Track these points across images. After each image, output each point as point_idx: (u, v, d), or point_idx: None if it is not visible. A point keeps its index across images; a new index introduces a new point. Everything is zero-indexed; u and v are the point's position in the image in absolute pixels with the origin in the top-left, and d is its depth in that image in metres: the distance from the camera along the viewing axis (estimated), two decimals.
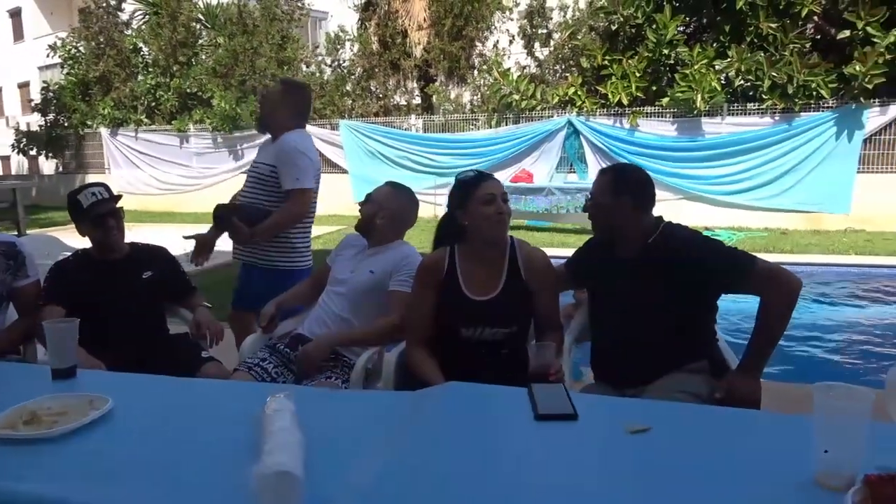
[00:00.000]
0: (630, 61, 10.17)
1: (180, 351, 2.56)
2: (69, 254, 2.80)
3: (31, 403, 1.50)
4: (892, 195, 9.07)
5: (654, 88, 10.25)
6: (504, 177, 10.94)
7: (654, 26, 9.98)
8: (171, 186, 13.92)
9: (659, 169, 9.85)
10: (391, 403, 1.58)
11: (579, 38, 11.30)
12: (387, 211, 2.56)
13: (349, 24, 14.17)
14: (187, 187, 13.81)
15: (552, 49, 11.76)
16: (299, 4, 13.83)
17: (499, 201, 2.16)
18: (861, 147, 9.10)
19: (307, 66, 13.28)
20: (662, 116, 10.15)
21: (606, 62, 10.43)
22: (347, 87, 13.08)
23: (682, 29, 10.25)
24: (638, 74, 10.08)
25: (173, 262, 2.84)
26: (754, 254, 2.06)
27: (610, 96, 10.22)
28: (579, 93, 10.62)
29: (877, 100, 8.95)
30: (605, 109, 10.50)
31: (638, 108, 10.20)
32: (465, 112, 12.08)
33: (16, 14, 24.76)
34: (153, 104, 13.98)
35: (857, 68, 8.57)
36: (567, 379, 2.03)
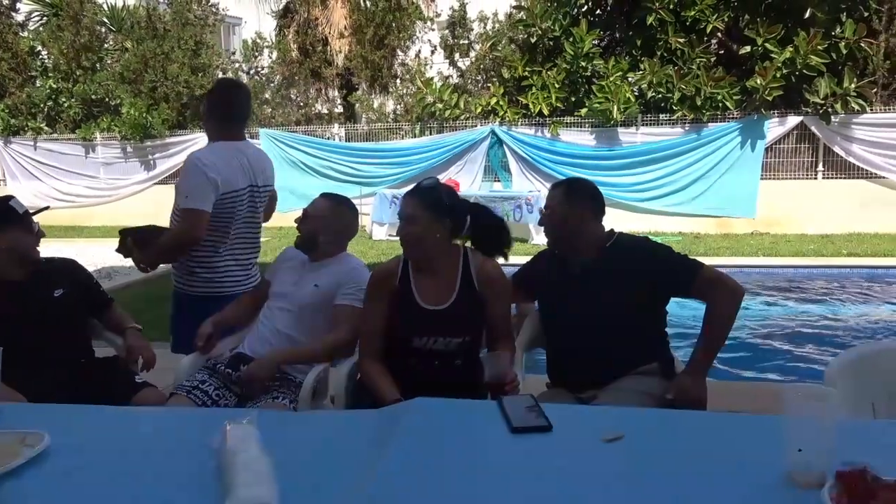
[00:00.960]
0: (549, 73, 10.45)
1: (111, 377, 2.39)
2: None
3: None
4: (792, 200, 9.75)
5: (573, 99, 10.57)
6: None
7: (571, 39, 10.30)
8: (77, 199, 13.07)
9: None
10: (357, 424, 1.53)
11: (500, 49, 11.51)
12: (329, 228, 2.48)
13: (265, 30, 13.84)
14: (95, 199, 13.02)
15: (473, 60, 11.92)
16: (213, 10, 13.38)
17: (402, 222, 2.16)
18: (763, 155, 9.74)
19: (223, 73, 12.84)
20: (581, 126, 10.47)
21: (527, 73, 10.66)
22: (266, 96, 12.75)
23: (597, 42, 10.63)
24: (557, 86, 10.36)
25: (85, 273, 2.66)
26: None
27: (531, 106, 10.45)
28: (501, 103, 10.80)
29: (776, 111, 9.61)
30: (526, 119, 10.73)
31: (558, 119, 10.48)
32: (388, 121, 12.04)
33: None
34: (54, 111, 13.12)
35: (758, 81, 9.17)
36: (521, 387, 2.04)
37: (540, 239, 9.12)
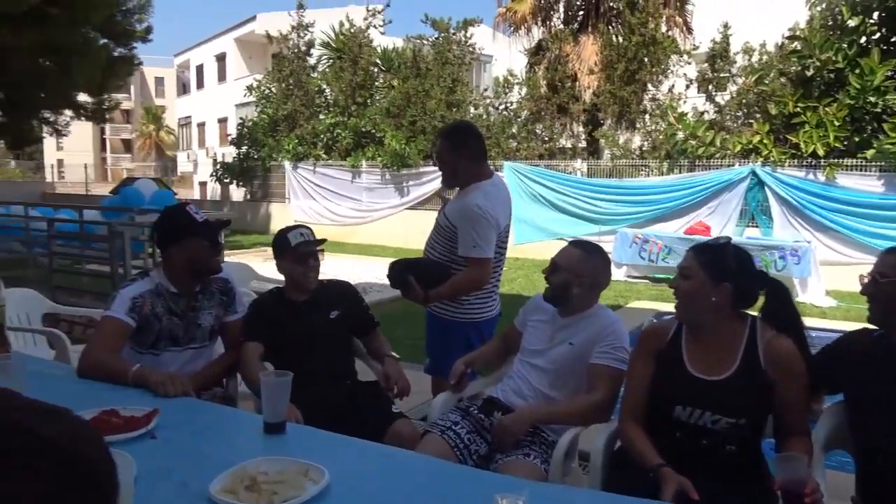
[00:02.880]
0: (827, 109, 9.21)
1: (373, 401, 2.49)
2: (265, 289, 2.88)
3: (249, 466, 1.45)
4: None
5: (857, 139, 9.19)
6: (674, 227, 10.32)
7: (857, 71, 8.99)
8: (342, 218, 14.72)
9: (858, 228, 8.88)
10: None
11: (767, 83, 10.47)
12: (584, 279, 2.32)
13: (516, 67, 14.32)
14: (356, 219, 14.53)
15: (734, 94, 11.00)
16: (470, 49, 14.22)
17: (676, 275, 1.99)
18: None
19: (475, 108, 13.55)
20: (866, 170, 9.03)
21: (799, 109, 9.53)
22: (513, 130, 13.15)
23: (891, 74, 9.14)
24: (837, 123, 9.09)
25: (357, 297, 2.84)
26: None
27: (802, 146, 9.30)
28: (765, 141, 9.79)
29: None
30: (795, 160, 9.57)
31: (836, 160, 9.18)
32: (633, 157, 11.61)
33: (221, 58, 28.05)
34: (331, 141, 14.99)
35: None
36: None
37: (807, 297, 8.01)
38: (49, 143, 32.49)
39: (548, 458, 2.12)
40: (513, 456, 2.12)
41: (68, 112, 20.12)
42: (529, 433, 2.18)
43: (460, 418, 2.33)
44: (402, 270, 2.76)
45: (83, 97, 19.20)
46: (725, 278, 1.91)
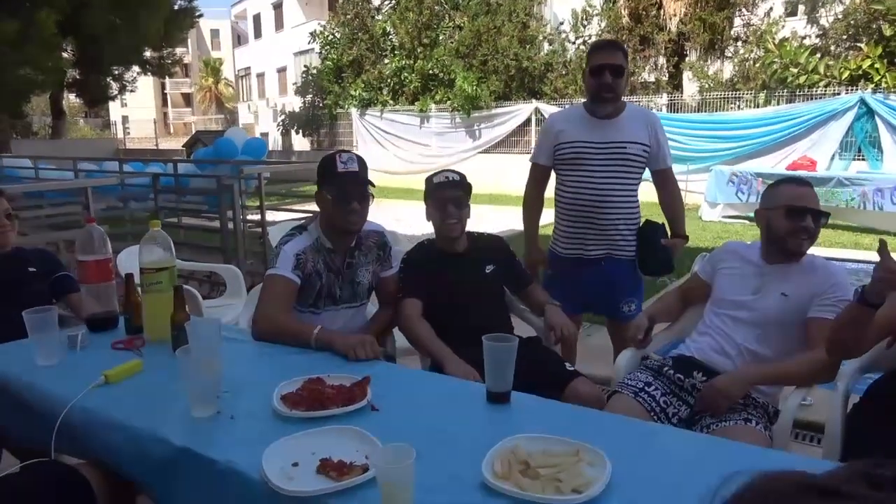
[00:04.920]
0: None
1: (540, 358, 2.32)
2: (418, 243, 2.71)
3: (510, 442, 1.28)
4: None
5: None
6: (770, 163, 9.72)
7: None
8: (410, 164, 14.52)
9: None
10: None
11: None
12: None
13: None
14: (426, 165, 14.30)
15: (841, 16, 10.07)
16: None
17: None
18: None
19: (550, 44, 12.92)
20: None
21: None
22: None
23: None
24: None
25: (510, 251, 2.65)
26: None
27: None
28: (877, 66, 8.97)
29: None
30: None
31: None
32: (724, 89, 10.88)
33: (278, 6, 27.71)
34: (398, 86, 14.65)
35: None
36: None
37: None
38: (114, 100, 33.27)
39: (767, 424, 1.90)
40: (730, 421, 1.90)
41: (135, 68, 20.43)
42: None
43: (652, 378, 2.13)
44: (665, 257, 2.69)
45: (148, 52, 19.39)
46: None
